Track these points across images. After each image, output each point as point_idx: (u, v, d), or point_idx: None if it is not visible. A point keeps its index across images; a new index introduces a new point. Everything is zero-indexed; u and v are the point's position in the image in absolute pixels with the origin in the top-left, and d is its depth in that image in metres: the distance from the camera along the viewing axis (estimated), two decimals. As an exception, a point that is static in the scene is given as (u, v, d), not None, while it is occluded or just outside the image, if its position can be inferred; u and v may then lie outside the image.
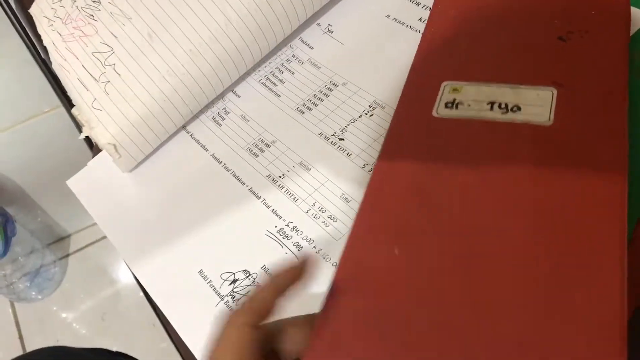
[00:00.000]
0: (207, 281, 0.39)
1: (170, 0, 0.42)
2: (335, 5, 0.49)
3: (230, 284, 0.38)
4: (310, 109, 0.44)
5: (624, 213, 0.29)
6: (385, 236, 0.31)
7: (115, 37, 0.42)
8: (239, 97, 0.46)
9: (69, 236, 1.01)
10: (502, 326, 0.26)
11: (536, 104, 0.36)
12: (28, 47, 0.49)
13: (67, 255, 1.00)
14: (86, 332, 0.96)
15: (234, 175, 0.42)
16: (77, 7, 0.43)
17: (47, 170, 0.76)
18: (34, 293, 0.96)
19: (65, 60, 0.42)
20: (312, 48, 0.47)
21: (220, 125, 0.45)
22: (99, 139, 0.42)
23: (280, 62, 0.47)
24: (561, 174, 0.32)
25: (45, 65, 0.48)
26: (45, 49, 0.44)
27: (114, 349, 0.90)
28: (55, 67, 0.43)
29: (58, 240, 1.01)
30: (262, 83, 0.47)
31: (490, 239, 0.30)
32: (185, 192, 0.43)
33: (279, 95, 0.45)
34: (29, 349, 0.94)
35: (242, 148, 0.43)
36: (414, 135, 0.37)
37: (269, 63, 0.47)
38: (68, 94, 0.43)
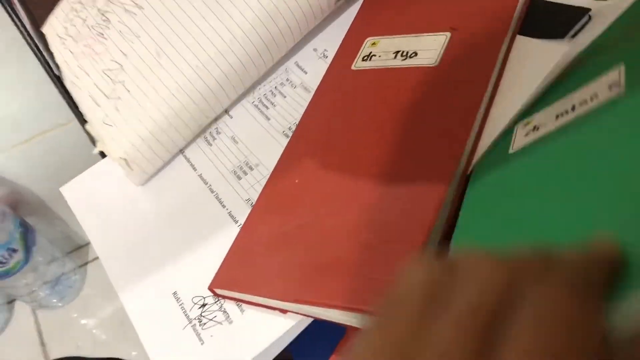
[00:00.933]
0: (180, 303, 0.40)
1: (176, 18, 0.43)
2: (333, 30, 0.49)
3: (200, 307, 0.39)
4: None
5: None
6: (292, 172, 0.41)
7: (125, 54, 0.43)
8: (232, 117, 0.47)
9: (87, 244, 1.03)
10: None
11: (431, 49, 0.43)
12: (42, 65, 0.50)
13: (86, 263, 1.02)
14: (106, 338, 0.97)
15: (217, 198, 0.43)
16: (87, 25, 0.45)
17: (65, 180, 0.77)
18: (54, 300, 0.98)
19: (77, 77, 0.44)
20: (306, 72, 0.48)
21: (210, 145, 0.46)
22: (110, 153, 0.43)
23: (274, 85, 0.48)
24: (424, 109, 0.40)
25: (59, 81, 0.50)
26: (57, 66, 0.45)
27: (133, 354, 0.92)
28: (67, 84, 0.45)
29: (77, 249, 1.03)
30: (254, 105, 0.47)
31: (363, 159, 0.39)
32: (171, 210, 0.44)
33: (268, 119, 0.46)
34: (51, 356, 0.96)
35: (228, 170, 0.44)
36: (333, 87, 0.45)
37: (264, 85, 0.48)
38: (80, 110, 0.45)
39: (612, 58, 0.35)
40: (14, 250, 0.81)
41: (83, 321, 0.99)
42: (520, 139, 0.35)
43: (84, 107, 0.44)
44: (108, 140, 0.43)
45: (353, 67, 0.45)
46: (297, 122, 0.45)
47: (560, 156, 0.31)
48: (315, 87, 0.46)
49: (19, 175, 0.85)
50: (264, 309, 0.37)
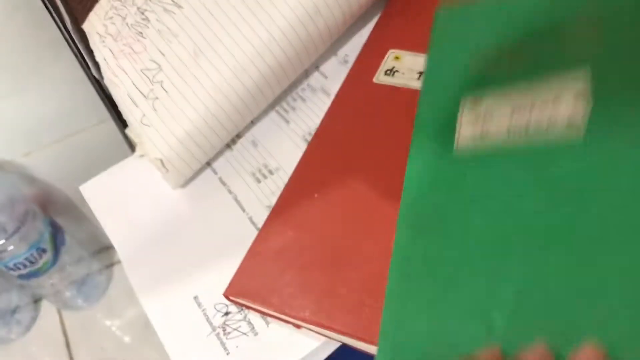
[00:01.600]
0: (202, 309, 0.39)
1: (215, 18, 0.43)
2: (353, 34, 0.49)
3: (223, 315, 0.39)
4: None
5: None
6: (310, 185, 0.40)
7: (163, 54, 0.43)
8: (252, 121, 0.47)
9: (113, 246, 1.03)
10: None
11: None
12: (80, 64, 0.50)
13: (112, 265, 1.02)
14: (130, 340, 0.97)
15: (236, 201, 0.43)
16: (127, 24, 0.44)
17: (94, 181, 0.78)
18: (80, 301, 0.98)
19: (116, 76, 0.44)
20: (326, 77, 0.48)
21: (231, 149, 0.46)
22: (147, 153, 0.43)
23: (295, 90, 0.48)
24: None
25: (96, 81, 0.50)
26: (97, 64, 0.45)
27: (156, 357, 0.92)
28: (107, 82, 0.44)
29: (103, 250, 1.03)
30: (274, 109, 0.47)
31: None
32: (192, 213, 0.44)
33: (288, 122, 0.46)
34: (76, 356, 0.96)
35: (247, 173, 0.44)
36: (353, 98, 0.44)
37: (284, 91, 0.47)
38: (119, 108, 0.44)
39: (578, 48, 0.34)
40: (44, 250, 0.82)
41: (107, 322, 0.99)
42: (467, 130, 0.34)
43: (122, 107, 0.44)
44: (145, 141, 0.42)
45: (375, 80, 0.44)
46: (316, 127, 0.44)
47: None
48: (334, 91, 0.46)
49: (49, 175, 0.86)
50: (284, 323, 0.37)
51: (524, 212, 0.31)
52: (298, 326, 0.36)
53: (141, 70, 0.43)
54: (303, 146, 0.44)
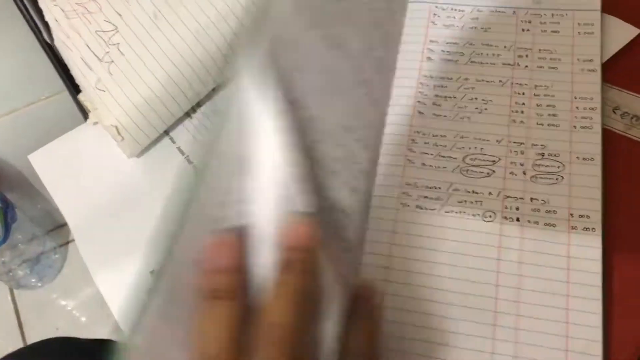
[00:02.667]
0: None
1: (176, -22, 0.41)
2: None
3: None
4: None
5: None
6: None
7: (120, 15, 0.41)
8: (214, 89, 0.45)
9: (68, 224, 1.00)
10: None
11: None
12: (31, 28, 0.47)
13: (67, 243, 0.99)
14: (86, 320, 0.95)
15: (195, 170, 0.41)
16: (80, -17, 0.42)
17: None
18: (33, 280, 0.95)
19: (68, 37, 0.41)
20: None
21: (191, 117, 0.44)
22: (101, 120, 0.40)
23: None
24: None
25: (49, 47, 0.47)
26: (47, 25, 0.42)
27: (112, 336, 0.89)
28: (57, 44, 0.42)
29: (58, 227, 1.00)
30: None
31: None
32: (147, 182, 0.42)
33: None
34: (28, 337, 0.93)
35: None
36: None
37: None
38: (71, 73, 0.42)
39: None
40: (-7, 227, 0.78)
41: (63, 302, 0.96)
42: None
43: (75, 71, 0.41)
44: (100, 106, 0.40)
45: None
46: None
47: None
48: None
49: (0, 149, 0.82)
50: None
51: None
52: None
53: (96, 32, 0.40)
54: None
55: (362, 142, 0.24)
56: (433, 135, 0.39)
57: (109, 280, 0.39)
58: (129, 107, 0.40)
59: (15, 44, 0.69)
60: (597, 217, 0.36)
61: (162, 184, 0.42)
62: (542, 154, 0.38)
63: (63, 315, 0.94)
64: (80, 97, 0.44)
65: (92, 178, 0.43)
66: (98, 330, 0.92)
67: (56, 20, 0.41)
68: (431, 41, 0.43)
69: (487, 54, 0.42)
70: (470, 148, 0.38)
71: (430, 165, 0.38)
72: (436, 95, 0.40)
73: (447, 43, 0.42)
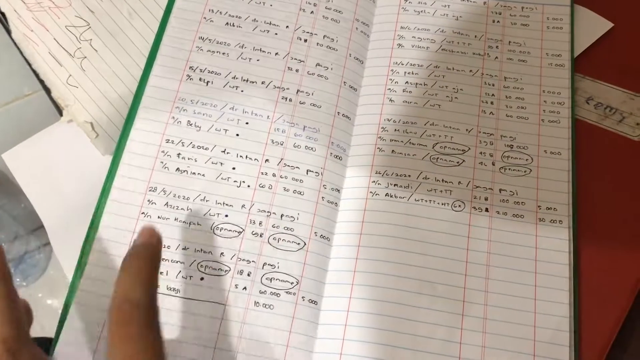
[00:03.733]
0: None
1: (149, -24, 0.41)
2: None
3: None
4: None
5: None
6: None
7: (92, 12, 0.41)
8: None
9: (52, 222, 0.99)
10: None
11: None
12: (1, 22, 0.47)
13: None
14: (72, 320, 0.94)
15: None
16: (48, -24, 0.42)
17: (30, 154, 0.74)
18: (18, 279, 0.94)
19: (32, 31, 0.41)
20: None
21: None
22: (75, 117, 0.40)
23: None
24: None
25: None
26: (3, 15, 0.42)
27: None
28: (17, 37, 0.41)
29: (42, 227, 0.99)
30: None
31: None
32: None
33: None
34: (13, 336, 0.92)
35: None
36: None
37: None
38: (33, 67, 0.41)
39: None
40: (-26, 226, 0.78)
41: (48, 301, 0.96)
42: None
43: (41, 65, 0.41)
44: (72, 103, 0.40)
45: None
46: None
47: None
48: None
49: (-20, 147, 0.81)
50: None
51: None
52: None
53: (66, 27, 0.40)
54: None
55: None
56: (403, 123, 0.39)
57: (68, 256, 0.39)
58: (103, 103, 0.40)
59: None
60: (564, 210, 0.36)
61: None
62: (511, 146, 0.38)
63: (49, 314, 0.94)
64: (54, 94, 0.44)
65: (67, 176, 0.43)
66: (84, 329, 0.92)
67: (16, 12, 0.41)
68: (402, 27, 0.43)
69: (458, 43, 0.42)
70: (440, 136, 0.39)
71: (400, 153, 0.38)
72: (406, 82, 0.41)
73: (418, 30, 0.42)
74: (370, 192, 0.37)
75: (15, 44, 0.47)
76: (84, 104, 0.40)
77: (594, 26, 0.43)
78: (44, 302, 0.96)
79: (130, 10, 0.41)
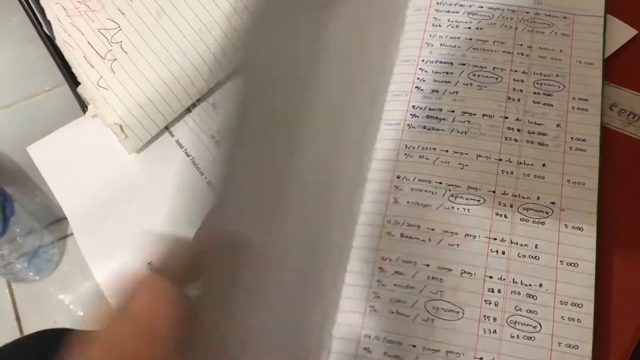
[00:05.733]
0: None
1: (180, -24, 0.41)
2: None
3: None
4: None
5: None
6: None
7: (123, 13, 0.41)
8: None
9: (66, 217, 1.00)
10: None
11: None
12: (33, 23, 0.47)
13: (65, 237, 0.99)
14: (83, 315, 0.95)
15: (193, 163, 0.42)
16: (83, -19, 0.42)
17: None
18: (31, 274, 0.95)
19: (70, 35, 0.41)
20: None
21: (189, 110, 0.44)
22: (105, 118, 0.40)
23: None
24: None
25: (50, 41, 0.47)
26: (48, 23, 0.42)
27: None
28: (59, 42, 0.42)
29: (56, 222, 1.00)
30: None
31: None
32: (146, 176, 0.42)
33: None
34: (26, 330, 0.93)
35: (205, 134, 0.43)
36: None
37: None
38: (73, 71, 0.42)
39: None
40: (-9, 220, 0.78)
41: (60, 296, 0.96)
42: None
43: (77, 69, 0.41)
44: (101, 104, 0.40)
45: None
46: None
47: None
48: None
49: (-2, 141, 0.82)
50: None
51: None
52: None
53: (98, 30, 0.41)
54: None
55: None
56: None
57: (106, 272, 0.39)
58: (132, 105, 0.40)
59: (14, 36, 0.69)
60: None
61: (161, 176, 0.42)
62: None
63: (60, 309, 0.95)
64: (80, 89, 0.44)
65: (91, 170, 0.43)
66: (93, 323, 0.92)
67: (58, 19, 0.41)
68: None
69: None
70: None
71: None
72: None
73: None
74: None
75: (43, 40, 0.48)
76: (114, 106, 0.40)
77: (618, 33, 0.43)
78: (56, 297, 0.96)
79: (159, 10, 0.41)
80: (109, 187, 0.42)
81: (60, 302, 0.95)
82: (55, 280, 0.96)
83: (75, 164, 0.43)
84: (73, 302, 0.95)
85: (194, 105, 0.44)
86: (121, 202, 0.41)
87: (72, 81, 0.48)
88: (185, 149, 0.42)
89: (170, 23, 0.40)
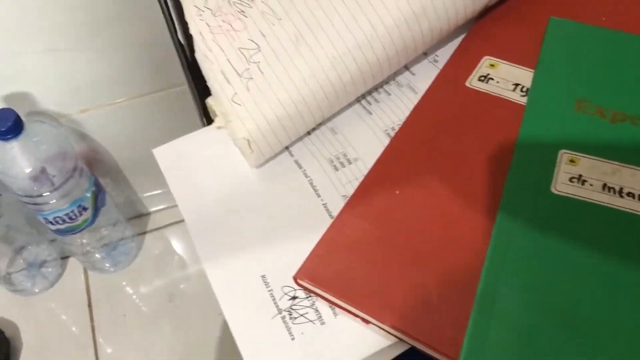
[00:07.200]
0: (269, 289, 0.39)
1: (320, 6, 0.42)
2: (446, 38, 0.49)
3: (290, 299, 0.38)
4: (399, 133, 0.44)
5: None
6: (392, 181, 0.41)
7: (264, 35, 0.43)
8: None
9: (148, 214, 1.03)
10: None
11: None
12: (169, 29, 0.50)
13: (144, 233, 1.02)
14: (149, 312, 0.97)
15: (311, 184, 0.43)
16: (228, 1, 0.44)
17: (142, 148, 0.78)
18: (107, 265, 0.98)
19: (211, 51, 0.43)
20: (413, 74, 0.48)
21: (309, 133, 0.46)
22: (234, 132, 0.42)
23: (380, 84, 0.48)
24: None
25: (180, 47, 0.50)
26: (189, 36, 0.45)
27: (169, 331, 0.92)
28: (198, 56, 0.44)
29: (137, 217, 1.03)
30: (358, 100, 0.47)
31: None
32: (264, 191, 0.44)
33: (370, 114, 0.46)
34: (96, 318, 0.96)
35: (324, 158, 0.44)
36: (442, 98, 0.45)
37: None
38: (208, 84, 0.44)
39: None
40: (85, 209, 0.82)
41: (131, 290, 1.00)
42: (564, 177, 0.37)
43: (212, 83, 0.43)
44: (234, 119, 0.42)
45: (467, 84, 0.45)
46: (400, 123, 0.44)
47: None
48: (422, 89, 0.46)
49: (100, 135, 0.86)
50: (352, 316, 0.37)
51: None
52: (367, 322, 0.36)
53: (239, 49, 0.43)
54: (384, 139, 0.44)
55: None
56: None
57: (220, 275, 0.40)
58: (262, 123, 0.42)
59: (135, 37, 0.73)
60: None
61: (279, 193, 0.43)
62: None
63: (130, 303, 0.98)
64: (209, 101, 0.46)
65: (211, 178, 0.45)
66: (161, 322, 0.95)
67: (201, 34, 0.44)
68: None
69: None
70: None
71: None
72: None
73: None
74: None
75: (175, 46, 0.51)
76: (245, 122, 0.42)
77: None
78: (127, 290, 0.99)
79: (298, 35, 0.42)
80: (228, 197, 0.44)
81: (130, 296, 0.99)
82: (129, 274, 0.99)
83: (196, 170, 0.46)
84: (142, 298, 0.98)
85: (313, 129, 0.46)
86: (238, 212, 0.43)
87: (196, 91, 0.51)
88: (304, 170, 0.44)
89: (307, 49, 0.42)
